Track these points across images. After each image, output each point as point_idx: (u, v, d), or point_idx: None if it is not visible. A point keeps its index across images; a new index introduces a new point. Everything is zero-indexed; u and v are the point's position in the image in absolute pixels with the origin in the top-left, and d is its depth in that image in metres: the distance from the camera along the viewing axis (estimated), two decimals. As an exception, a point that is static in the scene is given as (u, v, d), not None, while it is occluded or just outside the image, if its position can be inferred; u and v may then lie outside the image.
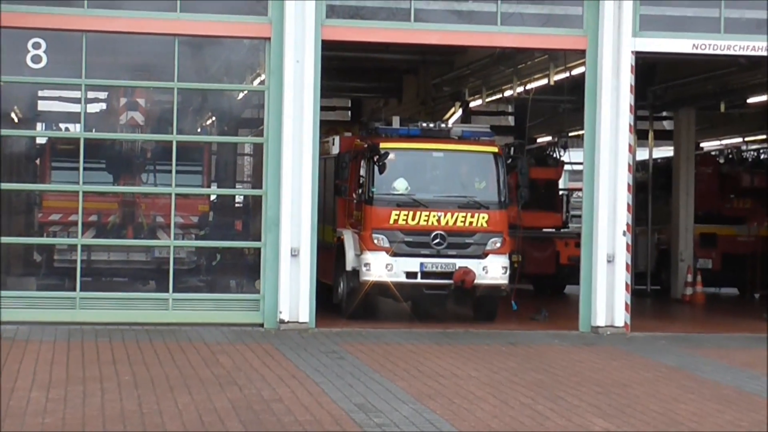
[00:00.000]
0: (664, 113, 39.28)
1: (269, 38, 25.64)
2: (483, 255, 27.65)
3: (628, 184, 26.97)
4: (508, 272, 27.98)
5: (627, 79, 26.20)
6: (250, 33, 26.21)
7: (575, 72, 29.68)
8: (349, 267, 27.76)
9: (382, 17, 26.50)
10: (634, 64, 26.57)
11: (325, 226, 30.16)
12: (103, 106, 27.44)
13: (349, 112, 35.26)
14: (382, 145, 27.27)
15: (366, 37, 26.13)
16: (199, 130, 27.08)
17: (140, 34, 25.84)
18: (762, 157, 44.19)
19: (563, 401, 17.14)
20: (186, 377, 19.36)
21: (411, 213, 27.44)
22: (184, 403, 17.32)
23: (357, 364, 20.12)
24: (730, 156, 45.45)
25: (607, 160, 26.40)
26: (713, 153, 45.54)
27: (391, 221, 27.24)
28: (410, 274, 27.24)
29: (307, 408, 17.04)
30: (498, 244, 27.71)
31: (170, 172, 26.45)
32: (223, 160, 29.19)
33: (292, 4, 25.16)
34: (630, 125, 26.93)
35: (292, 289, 25.24)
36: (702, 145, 43.32)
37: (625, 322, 26.71)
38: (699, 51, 27.56)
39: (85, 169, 25.83)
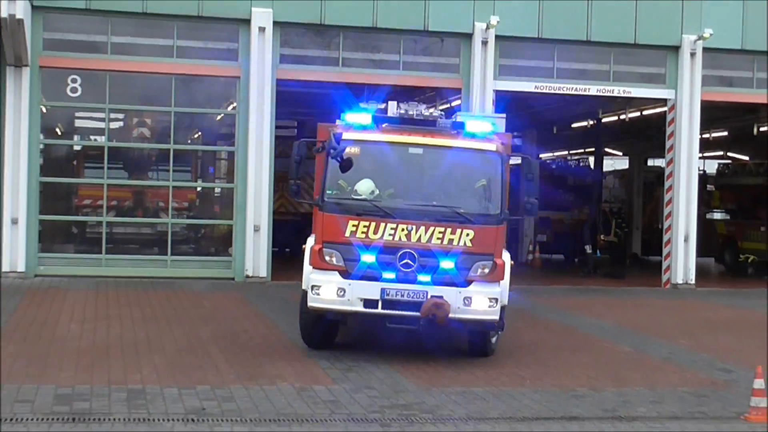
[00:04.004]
0: (515, 133, 39.37)
1: (239, 77, 25.64)
2: (466, 282, 15.08)
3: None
4: (499, 305, 15.26)
5: (490, 109, 25.96)
6: (225, 73, 26.09)
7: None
8: (304, 286, 15.70)
9: (319, 63, 26.44)
10: (494, 98, 26.68)
11: None
12: (121, 123, 27.25)
13: (296, 130, 34.68)
14: (345, 135, 15.37)
15: (307, 77, 26.05)
16: (189, 141, 26.92)
17: (147, 73, 25.75)
18: (581, 164, 44.73)
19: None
20: (179, 315, 19.38)
21: (374, 224, 14.94)
22: (178, 332, 17.35)
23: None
24: (559, 164, 45.93)
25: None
26: (548, 161, 45.85)
27: (348, 233, 14.95)
28: (369, 303, 14.85)
29: (265, 337, 17.12)
30: (486, 270, 15.13)
31: (168, 170, 26.43)
32: (206, 162, 28.96)
33: (255, 54, 25.15)
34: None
35: (255, 253, 25.19)
36: (541, 155, 43.48)
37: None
38: (538, 90, 27.80)
39: (108, 168, 25.87)
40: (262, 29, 25.41)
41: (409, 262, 14.88)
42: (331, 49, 26.61)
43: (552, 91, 27.97)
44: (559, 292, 27.02)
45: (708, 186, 39.09)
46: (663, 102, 28.79)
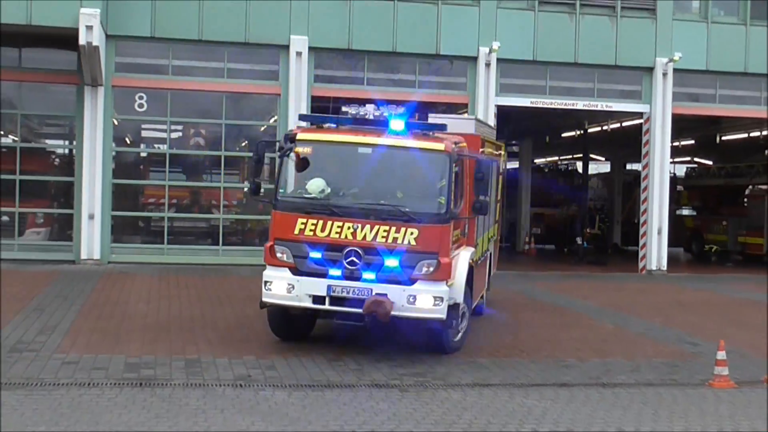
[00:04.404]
0: (514, 142, 39.36)
1: (280, 94, 25.68)
2: (410, 280, 13.21)
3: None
4: (446, 303, 13.22)
5: (492, 121, 25.91)
6: (268, 91, 26.06)
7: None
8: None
9: (347, 82, 26.42)
10: (496, 112, 26.66)
11: None
12: (180, 134, 27.25)
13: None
14: (299, 136, 13.80)
15: (337, 94, 25.88)
16: (237, 149, 26.92)
17: (202, 91, 25.78)
18: (569, 168, 44.72)
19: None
20: (229, 296, 19.39)
21: (321, 222, 13.24)
22: (228, 311, 17.38)
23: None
24: (551, 168, 45.84)
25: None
26: (541, 166, 45.78)
27: (297, 230, 13.30)
28: (317, 299, 13.22)
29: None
30: (431, 268, 13.15)
31: (220, 174, 26.47)
32: (251, 167, 29.02)
33: (293, 74, 25.22)
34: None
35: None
36: (536, 161, 43.39)
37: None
38: (533, 105, 27.83)
39: (169, 171, 25.96)
40: (299, 54, 25.40)
41: (355, 259, 13.09)
42: (357, 70, 26.62)
43: (545, 106, 27.96)
44: (551, 277, 26.95)
45: (678, 186, 39.11)
46: (639, 115, 28.74)
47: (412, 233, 13.05)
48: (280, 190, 13.73)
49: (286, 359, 12.87)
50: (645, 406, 11.44)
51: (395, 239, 13.06)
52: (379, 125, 13.77)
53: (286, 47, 25.49)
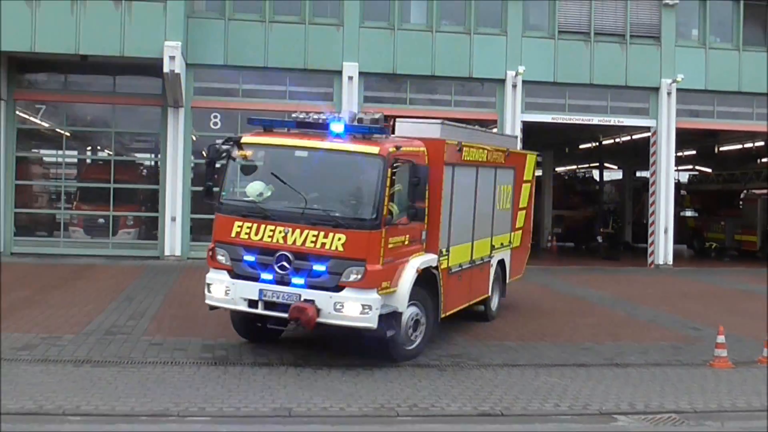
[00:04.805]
0: (537, 152, 39.00)
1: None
2: (338, 287, 11.24)
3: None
4: (375, 311, 11.16)
5: (519, 135, 25.79)
6: (324, 111, 26.07)
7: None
8: None
9: (392, 102, 26.15)
10: (522, 127, 26.51)
11: None
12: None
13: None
14: (243, 140, 12.09)
15: (384, 113, 25.89)
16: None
17: (268, 111, 25.71)
18: (585, 176, 44.41)
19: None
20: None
21: (255, 226, 11.53)
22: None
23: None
24: (570, 175, 45.53)
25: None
26: (561, 173, 45.45)
27: (234, 233, 11.65)
28: (251, 302, 11.54)
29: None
30: (358, 276, 11.13)
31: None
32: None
33: (345, 96, 25.18)
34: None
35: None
36: (556, 169, 43.08)
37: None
38: (554, 121, 27.62)
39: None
40: (350, 78, 25.39)
41: (285, 264, 11.24)
42: (401, 92, 26.57)
43: (564, 121, 27.77)
44: (570, 271, 26.72)
45: (681, 191, 38.63)
46: (647, 129, 28.40)
47: (339, 239, 11.10)
48: (223, 193, 12.01)
49: (339, 342, 12.85)
50: (653, 383, 11.32)
51: (323, 245, 11.12)
52: (321, 129, 11.87)
53: (339, 72, 25.48)
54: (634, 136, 31.75)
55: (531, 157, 17.65)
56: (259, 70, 25.49)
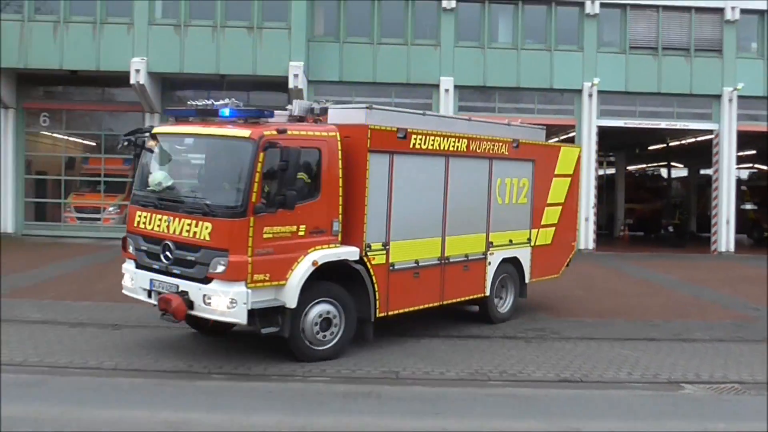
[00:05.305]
0: (611, 153, 38.32)
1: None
2: (207, 279, 9.18)
3: (594, 188, 26.17)
4: (243, 306, 8.98)
5: (594, 138, 25.48)
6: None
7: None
8: None
9: (483, 111, 25.97)
10: (597, 131, 26.00)
11: None
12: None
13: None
14: (154, 130, 10.42)
15: (475, 120, 25.70)
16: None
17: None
18: (654, 173, 43.29)
19: (560, 282, 16.54)
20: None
21: (148, 215, 9.88)
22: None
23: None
24: (640, 173, 44.41)
25: (585, 175, 25.65)
26: (632, 171, 44.37)
27: (135, 223, 10.09)
28: (148, 293, 9.90)
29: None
30: (222, 267, 9.00)
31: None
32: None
33: (442, 106, 25.11)
34: (596, 159, 26.40)
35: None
36: (628, 167, 42.07)
37: (594, 247, 25.98)
38: (626, 125, 26.93)
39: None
40: (446, 90, 25.29)
41: (168, 254, 9.57)
42: (491, 101, 26.30)
43: (635, 126, 27.05)
44: (641, 257, 26.03)
45: (742, 186, 37.23)
46: (710, 132, 27.43)
47: (207, 228, 9.21)
48: (134, 183, 10.45)
49: (439, 316, 12.84)
50: (717, 357, 10.96)
51: (195, 234, 9.31)
52: (210, 114, 9.95)
53: (437, 86, 25.40)
54: (698, 138, 30.71)
55: (568, 151, 14.10)
56: (368, 85, 25.60)
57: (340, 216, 9.96)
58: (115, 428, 7.29)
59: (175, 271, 9.51)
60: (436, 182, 11.27)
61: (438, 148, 11.14)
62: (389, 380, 9.26)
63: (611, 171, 39.62)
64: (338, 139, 9.97)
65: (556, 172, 13.68)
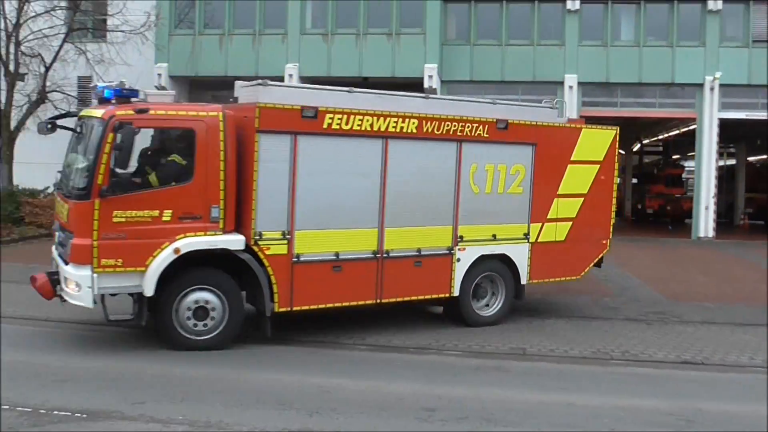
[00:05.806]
0: (731, 144, 36.23)
1: (557, 116, 25.01)
2: (66, 261, 8.22)
3: (714, 178, 24.83)
4: (88, 290, 7.90)
5: (715, 130, 24.15)
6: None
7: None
8: None
9: (604, 106, 25.19)
10: (718, 124, 24.59)
11: None
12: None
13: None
14: (80, 114, 9.20)
15: (597, 114, 24.61)
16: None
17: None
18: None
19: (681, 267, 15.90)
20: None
21: (60, 200, 8.91)
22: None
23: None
24: (761, 163, 41.72)
25: (706, 165, 24.58)
26: (753, 162, 41.75)
27: (57, 210, 9.15)
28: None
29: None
30: (69, 250, 8.07)
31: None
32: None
33: (567, 102, 24.40)
34: (716, 150, 25.02)
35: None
36: (749, 158, 39.62)
37: (714, 235, 24.68)
38: (747, 117, 25.31)
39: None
40: (570, 87, 24.61)
41: (63, 237, 8.65)
42: (613, 97, 25.37)
43: (757, 118, 25.35)
44: (761, 245, 24.47)
45: None
46: (836, 122, 25.42)
47: (66, 209, 8.47)
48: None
49: (562, 296, 12.55)
50: (842, 344, 10.16)
51: (66, 216, 8.49)
52: (101, 96, 8.72)
53: (561, 83, 24.72)
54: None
55: (593, 133, 10.93)
56: (497, 84, 25.22)
57: (222, 201, 8.44)
58: (266, 389, 7.52)
59: (62, 255, 8.57)
60: (368, 167, 9.16)
61: (370, 129, 9.05)
62: (516, 356, 9.15)
63: (731, 162, 37.42)
64: (221, 119, 8.44)
65: (573, 158, 10.71)
